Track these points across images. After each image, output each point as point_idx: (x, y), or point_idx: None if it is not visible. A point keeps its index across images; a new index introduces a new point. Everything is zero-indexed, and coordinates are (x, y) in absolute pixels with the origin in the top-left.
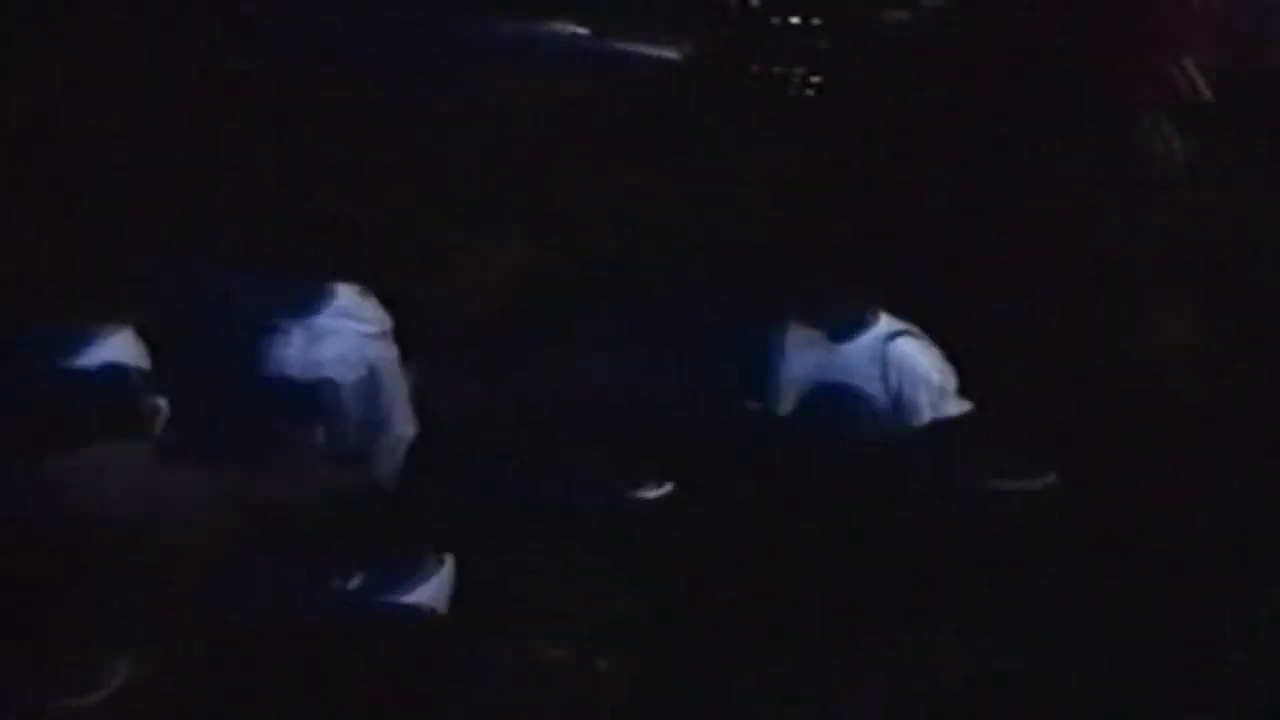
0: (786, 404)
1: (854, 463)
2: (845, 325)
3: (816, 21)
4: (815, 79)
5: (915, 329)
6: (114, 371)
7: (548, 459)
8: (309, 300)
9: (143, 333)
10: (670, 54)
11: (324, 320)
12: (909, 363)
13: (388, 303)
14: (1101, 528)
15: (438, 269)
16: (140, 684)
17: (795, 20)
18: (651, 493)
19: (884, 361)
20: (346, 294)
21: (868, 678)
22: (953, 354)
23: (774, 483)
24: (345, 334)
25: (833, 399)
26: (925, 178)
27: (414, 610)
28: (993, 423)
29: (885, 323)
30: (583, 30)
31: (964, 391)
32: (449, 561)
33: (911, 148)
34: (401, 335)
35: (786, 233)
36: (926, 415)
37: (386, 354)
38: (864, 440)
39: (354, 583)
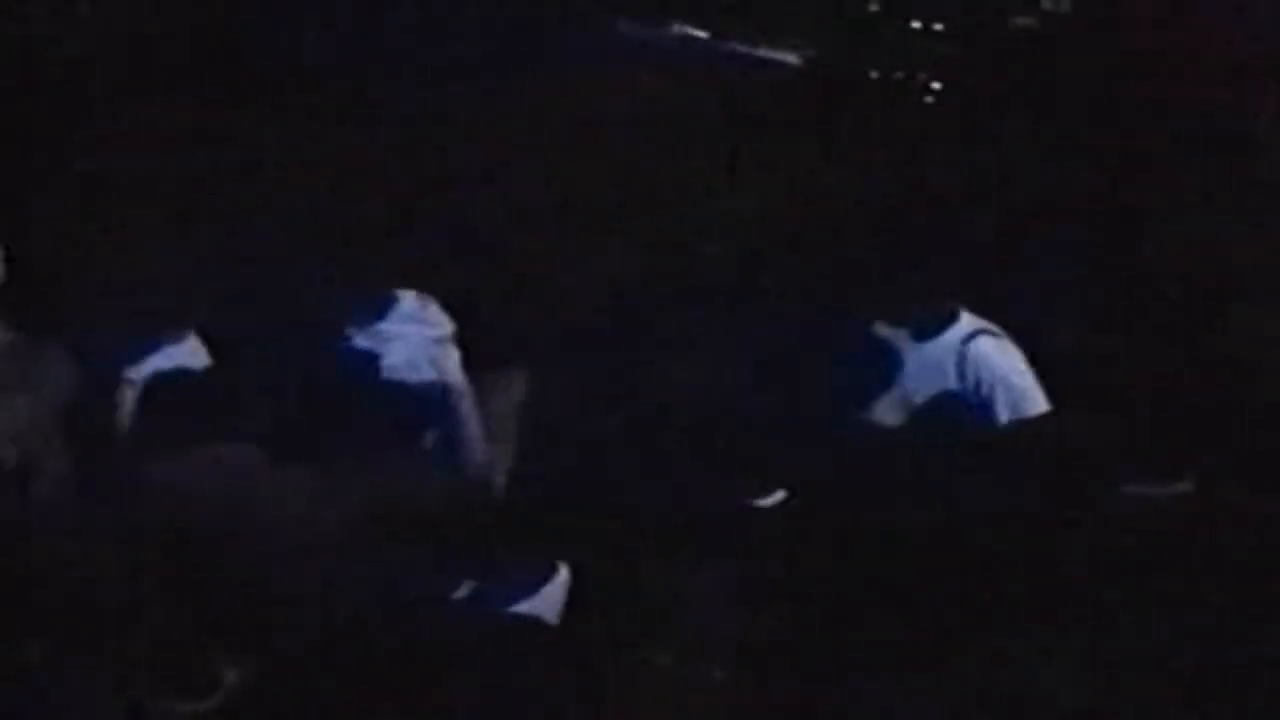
0: (890, 409)
1: (975, 469)
2: (928, 324)
3: (938, 26)
4: (935, 85)
5: (995, 328)
6: (218, 375)
7: (662, 466)
8: (374, 307)
9: (213, 338)
10: (789, 58)
11: (389, 326)
12: (987, 362)
13: (498, 309)
14: (1233, 538)
15: (550, 274)
16: (248, 690)
17: (916, 25)
18: (767, 499)
19: (962, 360)
20: (409, 300)
21: (992, 690)
22: (1083, 361)
23: (892, 490)
24: (411, 338)
25: (936, 404)
26: (1048, 184)
27: (526, 619)
28: (1126, 430)
29: (966, 321)
30: (701, 33)
31: (1097, 398)
32: (564, 570)
33: (1033, 154)
34: (515, 341)
35: (897, 236)
36: (1004, 415)
37: (450, 357)
38: (986, 445)
39: (465, 589)
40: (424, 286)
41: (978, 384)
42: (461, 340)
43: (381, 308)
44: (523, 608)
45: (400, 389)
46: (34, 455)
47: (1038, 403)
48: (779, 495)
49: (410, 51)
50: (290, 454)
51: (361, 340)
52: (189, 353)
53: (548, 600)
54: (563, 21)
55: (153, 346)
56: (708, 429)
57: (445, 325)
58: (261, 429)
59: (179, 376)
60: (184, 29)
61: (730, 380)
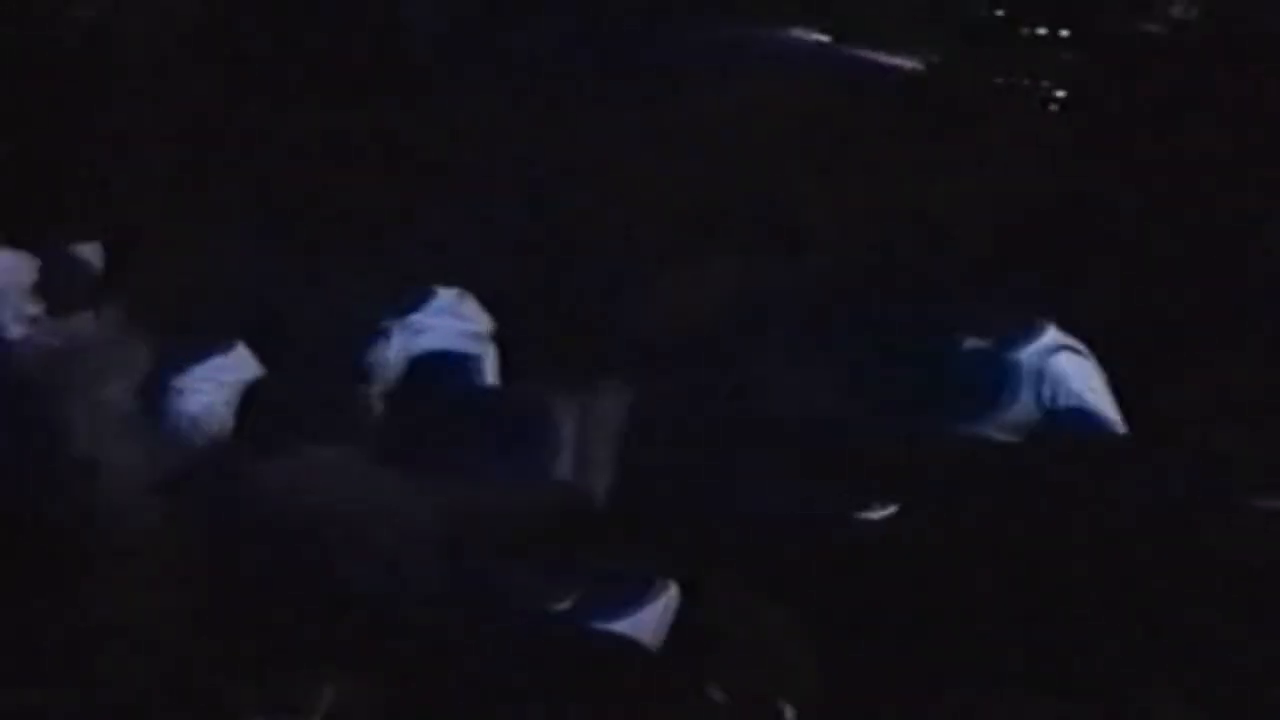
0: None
1: (1094, 480)
2: (1014, 337)
3: (1064, 33)
4: (1060, 93)
5: (1079, 345)
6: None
7: (768, 478)
8: (409, 300)
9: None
10: (908, 63)
11: (422, 318)
12: (1065, 380)
13: (600, 314)
14: None
15: (657, 284)
16: (347, 707)
17: (1042, 31)
18: (877, 513)
19: (1040, 376)
20: (445, 294)
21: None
22: (1209, 371)
23: (1008, 503)
24: (443, 331)
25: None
26: (1176, 197)
27: (627, 637)
28: (1256, 441)
29: (1050, 337)
30: (823, 37)
31: (1221, 409)
32: (672, 588)
33: (1162, 165)
34: (618, 350)
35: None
36: (1077, 432)
37: (484, 352)
38: (1102, 457)
39: (566, 603)
40: (523, 290)
41: (1054, 400)
42: (552, 345)
43: (416, 301)
44: (625, 624)
45: (496, 396)
46: (122, 451)
47: (1112, 424)
48: (889, 509)
49: (517, 52)
50: (389, 459)
51: (395, 332)
52: (239, 361)
53: (652, 618)
54: (672, 22)
55: (201, 355)
56: (814, 442)
57: (482, 321)
58: (360, 433)
59: (275, 382)
60: (252, 20)
61: (837, 392)
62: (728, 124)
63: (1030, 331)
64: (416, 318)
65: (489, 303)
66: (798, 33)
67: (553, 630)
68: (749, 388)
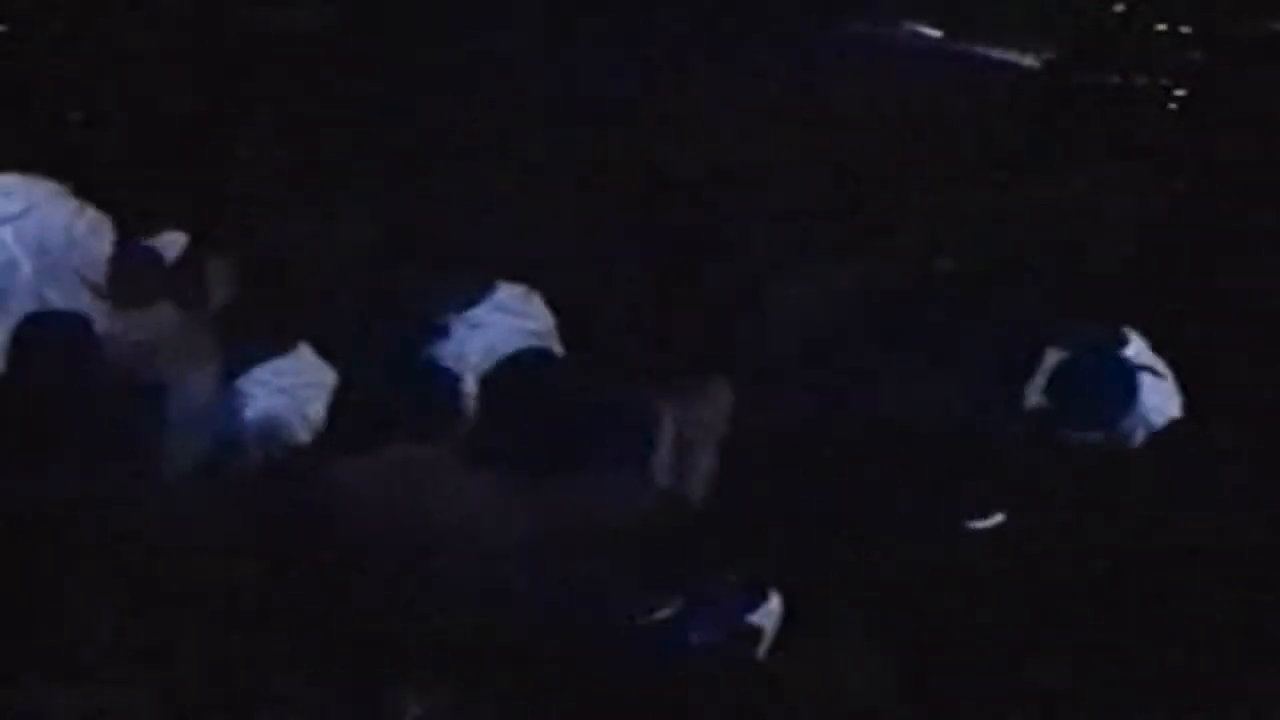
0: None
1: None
2: (1096, 348)
3: (1185, 30)
4: (1180, 92)
5: (1157, 363)
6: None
7: (876, 486)
8: (470, 294)
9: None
10: (1028, 61)
11: (479, 313)
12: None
13: (710, 314)
14: None
15: (771, 285)
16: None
17: (1162, 28)
18: (986, 522)
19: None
20: (508, 291)
21: None
22: None
23: (1121, 513)
24: (498, 328)
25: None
26: None
27: (727, 646)
28: None
29: (1133, 349)
30: (937, 33)
31: None
32: (775, 599)
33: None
34: (730, 348)
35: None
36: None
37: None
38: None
39: (666, 610)
40: (630, 289)
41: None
42: (657, 344)
43: (477, 295)
44: (725, 636)
45: (594, 395)
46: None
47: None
48: (997, 518)
49: (633, 50)
50: (480, 458)
51: (454, 327)
52: (302, 364)
53: (754, 628)
54: (791, 21)
55: (261, 356)
56: (925, 448)
57: (545, 319)
58: (450, 432)
59: (366, 377)
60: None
61: (951, 399)
62: (843, 124)
63: (1111, 343)
64: (475, 313)
65: (594, 301)
66: (915, 30)
67: (650, 641)
68: (859, 393)
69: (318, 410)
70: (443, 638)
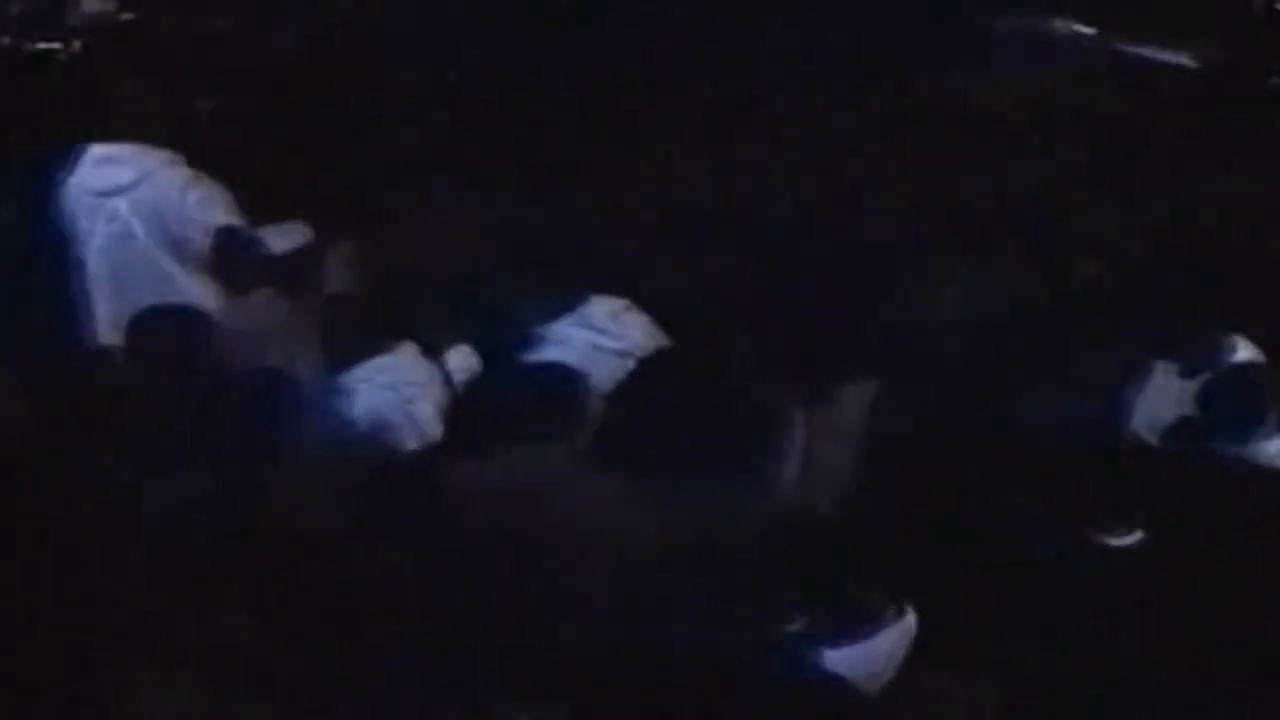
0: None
1: None
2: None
3: None
4: None
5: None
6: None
7: (1013, 499)
8: (560, 307)
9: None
10: (1183, 60)
11: (559, 328)
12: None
13: (847, 317)
14: None
15: (912, 289)
16: None
17: None
18: (1121, 540)
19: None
20: (601, 305)
21: None
22: None
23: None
24: (571, 343)
25: None
26: None
27: (851, 668)
28: None
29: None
30: (1089, 30)
31: None
32: (910, 615)
33: None
34: (871, 355)
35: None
36: (1266, 453)
37: (615, 370)
38: None
39: (794, 626)
40: (765, 291)
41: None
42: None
43: (565, 307)
44: (855, 652)
45: (724, 398)
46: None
47: None
48: (1135, 536)
49: (781, 54)
50: (608, 461)
51: (540, 340)
52: (410, 361)
53: (885, 646)
54: (937, 18)
55: (363, 353)
56: (1067, 461)
57: (633, 339)
58: (576, 433)
59: (497, 375)
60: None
61: (1094, 410)
62: (994, 122)
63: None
64: (557, 327)
65: (726, 304)
66: (1069, 27)
67: (779, 655)
68: (1000, 402)
69: (423, 409)
70: (561, 648)
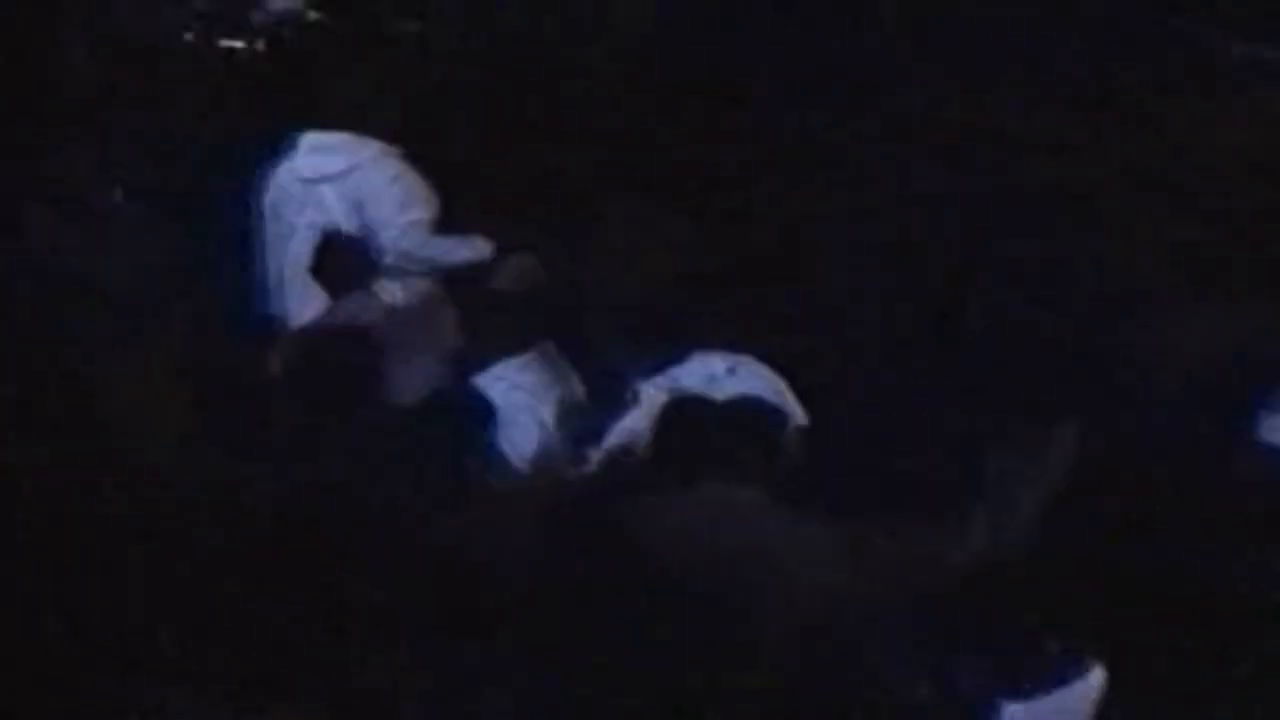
0: None
1: None
2: None
3: None
4: None
5: None
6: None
7: (1211, 548)
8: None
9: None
10: None
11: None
12: None
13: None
14: None
15: (1128, 329)
16: None
17: None
18: None
19: None
20: (706, 361)
21: None
22: None
23: None
24: (761, 378)
25: None
26: None
27: None
28: None
29: None
30: None
31: None
32: (1097, 671)
33: None
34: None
35: None
36: None
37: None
38: None
39: (973, 678)
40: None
41: None
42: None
43: (668, 360)
44: (1036, 709)
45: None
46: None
47: None
48: None
49: (1005, 82)
50: (810, 507)
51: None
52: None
53: (1074, 701)
54: (1168, 43)
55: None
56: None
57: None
58: (770, 470)
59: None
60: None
61: None
62: (1206, 153)
63: None
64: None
65: (926, 340)
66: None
67: (956, 705)
68: (1210, 443)
69: (551, 414)
70: (743, 687)
